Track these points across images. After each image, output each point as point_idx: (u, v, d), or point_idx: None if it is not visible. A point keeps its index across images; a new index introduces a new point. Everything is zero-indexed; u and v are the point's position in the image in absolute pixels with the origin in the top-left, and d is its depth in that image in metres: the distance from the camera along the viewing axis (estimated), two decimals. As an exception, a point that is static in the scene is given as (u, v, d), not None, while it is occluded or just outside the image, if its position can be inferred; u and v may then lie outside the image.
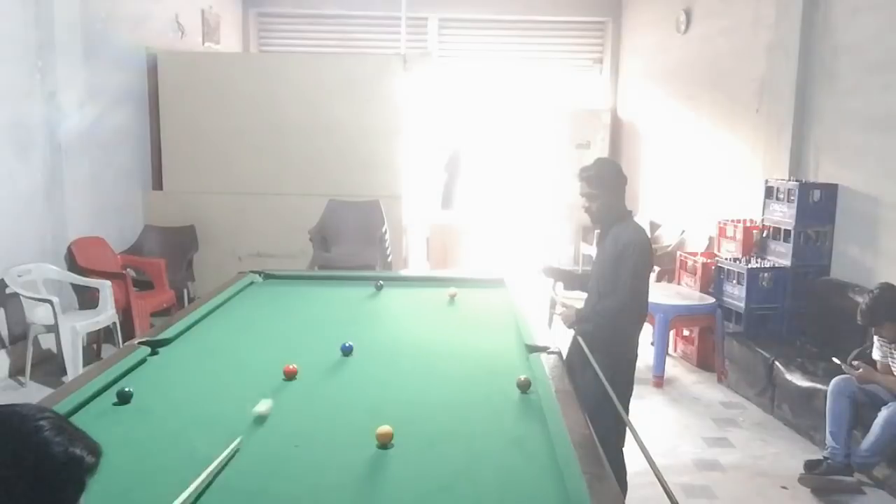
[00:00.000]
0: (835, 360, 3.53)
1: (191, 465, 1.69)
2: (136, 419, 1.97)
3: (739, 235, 5.04)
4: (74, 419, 1.93)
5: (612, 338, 2.84)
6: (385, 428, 1.80)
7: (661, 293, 5.09)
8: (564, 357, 2.68)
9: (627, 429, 2.57)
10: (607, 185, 2.89)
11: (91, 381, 2.14)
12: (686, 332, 5.32)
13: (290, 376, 2.30)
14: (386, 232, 6.22)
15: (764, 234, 4.95)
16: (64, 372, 4.46)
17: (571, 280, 3.33)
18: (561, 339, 2.92)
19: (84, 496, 0.97)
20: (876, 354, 3.42)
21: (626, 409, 2.82)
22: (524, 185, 9.14)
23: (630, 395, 2.95)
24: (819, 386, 3.73)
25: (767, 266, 4.73)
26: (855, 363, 3.39)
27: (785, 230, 4.69)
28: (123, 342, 4.66)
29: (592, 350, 2.76)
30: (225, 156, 6.54)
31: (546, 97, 8.91)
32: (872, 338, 3.48)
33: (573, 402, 2.08)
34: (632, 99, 8.42)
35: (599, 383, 2.56)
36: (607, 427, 2.63)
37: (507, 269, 4.22)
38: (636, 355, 2.97)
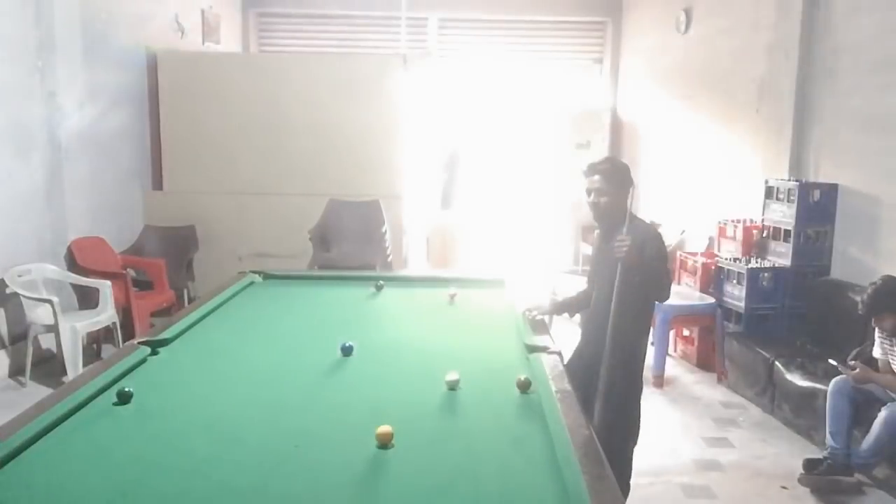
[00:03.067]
0: (832, 361, 3.53)
1: (191, 465, 1.69)
2: (136, 419, 1.96)
3: (739, 235, 5.04)
4: (74, 419, 1.93)
5: (633, 333, 2.80)
6: (385, 428, 1.79)
7: (661, 293, 5.08)
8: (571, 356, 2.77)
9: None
10: (619, 182, 2.81)
11: (91, 381, 2.14)
12: (686, 332, 5.32)
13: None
14: (386, 232, 6.22)
15: (764, 234, 4.95)
16: (64, 372, 4.46)
17: (577, 305, 3.23)
18: (562, 339, 2.92)
19: None
20: (876, 352, 3.42)
21: (639, 405, 2.84)
22: (524, 185, 9.14)
23: (640, 392, 2.88)
24: (819, 386, 3.73)
25: (767, 266, 4.73)
26: (852, 363, 3.39)
27: (785, 230, 4.69)
28: (123, 342, 4.66)
29: (613, 347, 2.72)
30: (225, 156, 6.54)
31: (546, 97, 8.91)
32: (873, 336, 3.48)
33: (573, 402, 2.08)
34: (632, 99, 8.42)
35: (620, 380, 2.67)
36: (619, 423, 2.69)
37: (507, 270, 4.23)
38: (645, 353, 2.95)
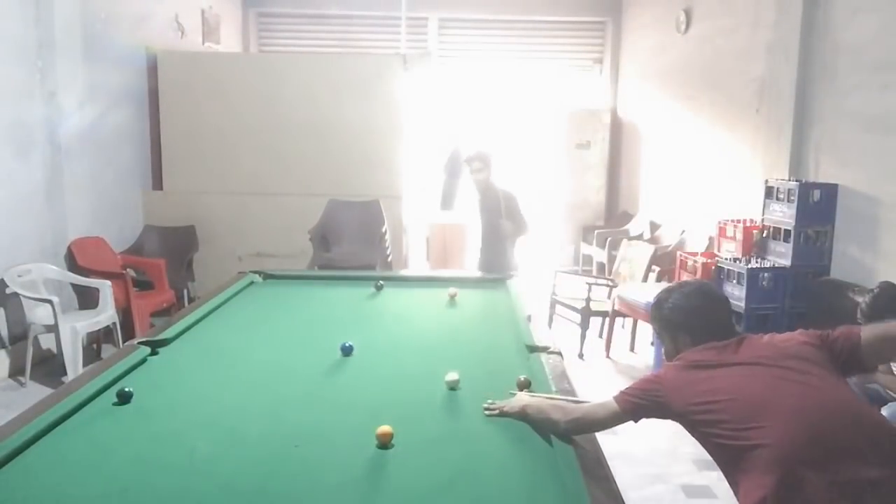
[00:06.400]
0: None
1: (191, 464, 1.69)
2: (136, 419, 1.96)
3: (739, 235, 5.04)
4: (74, 419, 1.93)
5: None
6: (385, 428, 1.79)
7: (661, 293, 5.08)
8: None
9: None
10: (489, 164, 4.55)
11: (91, 381, 2.14)
12: (686, 332, 5.31)
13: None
14: (386, 232, 6.22)
15: (764, 234, 4.95)
16: (64, 372, 4.46)
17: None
18: (560, 338, 2.92)
19: None
20: (876, 354, 3.42)
21: None
22: (524, 185, 9.13)
23: None
24: (819, 386, 3.72)
25: (767, 266, 4.73)
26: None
27: (785, 230, 4.69)
28: (123, 342, 4.66)
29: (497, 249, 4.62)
30: (225, 156, 6.55)
31: (546, 97, 8.92)
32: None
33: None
34: (632, 99, 8.43)
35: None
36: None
37: (508, 269, 4.23)
38: None
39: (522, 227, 4.56)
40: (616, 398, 1.88)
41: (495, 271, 4.25)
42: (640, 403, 1.84)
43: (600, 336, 5.59)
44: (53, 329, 4.48)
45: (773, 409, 1.62)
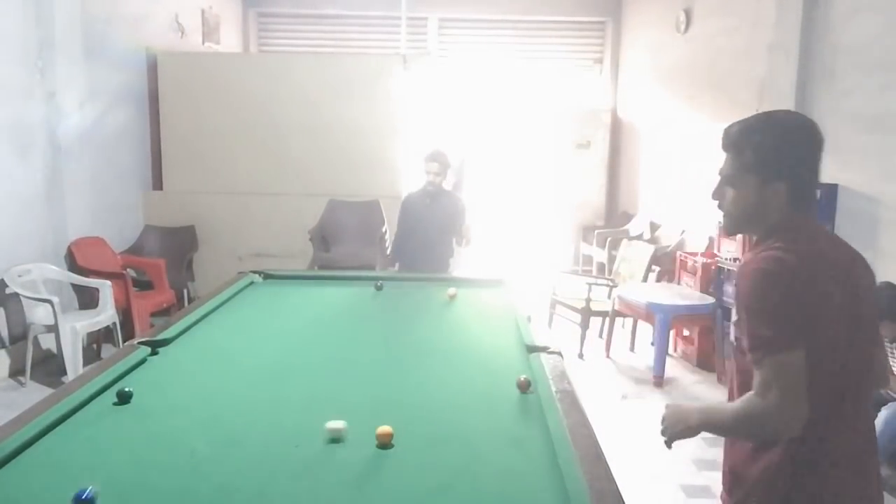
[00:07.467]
0: None
1: (190, 465, 1.69)
2: (136, 419, 1.96)
3: (739, 235, 5.04)
4: (74, 419, 1.93)
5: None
6: (385, 428, 1.79)
7: (661, 293, 5.08)
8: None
9: None
10: (447, 167, 4.36)
11: (91, 381, 2.14)
12: (686, 332, 5.32)
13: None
14: (386, 232, 6.22)
15: (764, 234, 4.94)
16: (64, 372, 4.46)
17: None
18: (560, 338, 2.92)
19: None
20: (876, 354, 3.42)
21: None
22: (524, 185, 9.14)
23: None
24: (819, 386, 3.72)
25: (767, 266, 4.73)
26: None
27: (785, 230, 4.69)
28: (123, 342, 4.66)
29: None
30: (225, 156, 6.55)
31: (546, 97, 8.92)
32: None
33: (573, 402, 2.08)
34: (632, 99, 8.43)
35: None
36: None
37: (507, 270, 4.24)
38: None
39: (469, 239, 4.44)
40: (760, 368, 1.37)
41: (424, 272, 4.28)
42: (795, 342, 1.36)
43: (600, 336, 5.59)
44: (53, 329, 4.48)
45: (835, 420, 1.48)
